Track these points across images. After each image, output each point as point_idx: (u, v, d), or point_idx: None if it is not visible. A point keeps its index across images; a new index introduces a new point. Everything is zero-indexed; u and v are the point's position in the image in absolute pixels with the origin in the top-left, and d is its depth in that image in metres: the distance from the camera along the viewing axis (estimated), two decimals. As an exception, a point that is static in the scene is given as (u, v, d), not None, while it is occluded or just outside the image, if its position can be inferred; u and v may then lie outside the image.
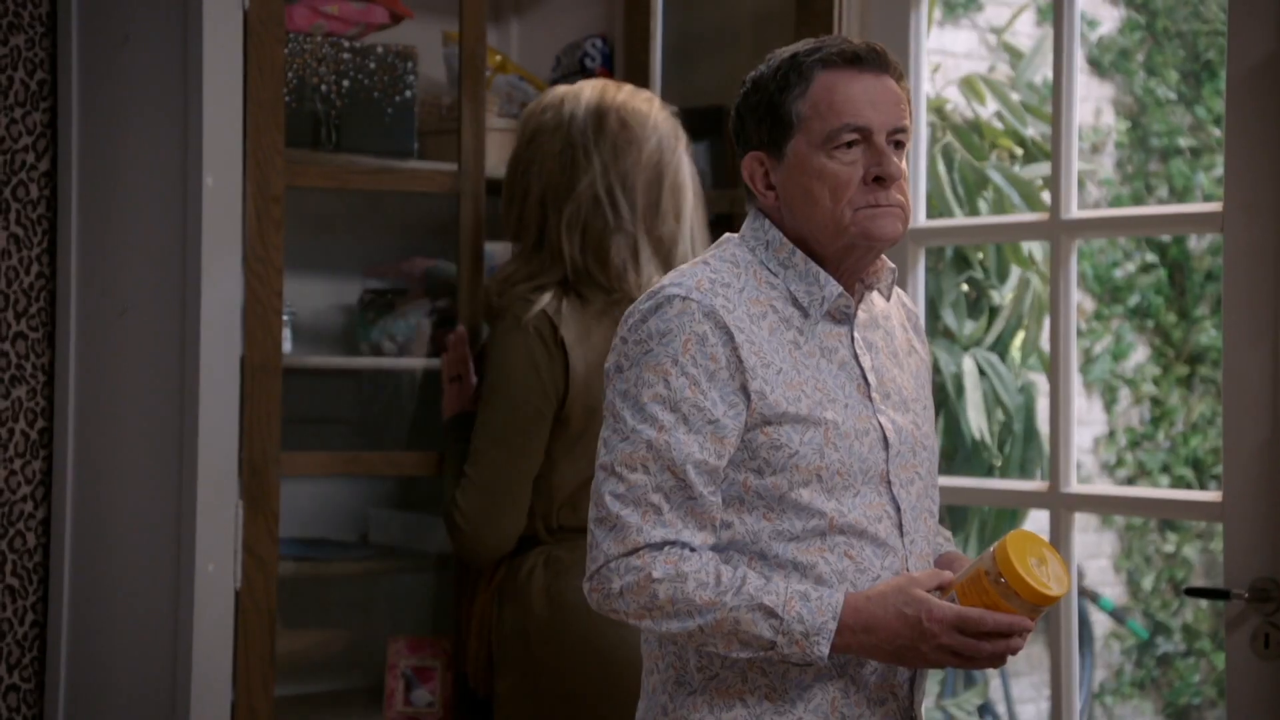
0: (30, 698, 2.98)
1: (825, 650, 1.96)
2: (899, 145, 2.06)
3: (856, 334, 2.10)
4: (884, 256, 2.13)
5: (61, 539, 2.98)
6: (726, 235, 2.15)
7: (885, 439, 2.07)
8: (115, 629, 2.93)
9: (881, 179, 2.04)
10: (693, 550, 2.00)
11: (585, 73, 3.45)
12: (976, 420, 4.87)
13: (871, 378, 2.09)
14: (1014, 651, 1.99)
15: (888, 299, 2.16)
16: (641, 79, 3.34)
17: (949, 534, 2.25)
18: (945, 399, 4.94)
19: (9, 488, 2.96)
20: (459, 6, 3.07)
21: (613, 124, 2.84)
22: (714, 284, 2.04)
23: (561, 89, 2.92)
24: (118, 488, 2.95)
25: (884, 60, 2.06)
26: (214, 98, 2.81)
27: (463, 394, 2.96)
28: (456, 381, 2.98)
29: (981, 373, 4.92)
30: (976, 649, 1.96)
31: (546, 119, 2.88)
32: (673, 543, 1.99)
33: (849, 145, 2.04)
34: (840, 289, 2.08)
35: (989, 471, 4.99)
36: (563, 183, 2.84)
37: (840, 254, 2.08)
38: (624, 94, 2.89)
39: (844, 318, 2.09)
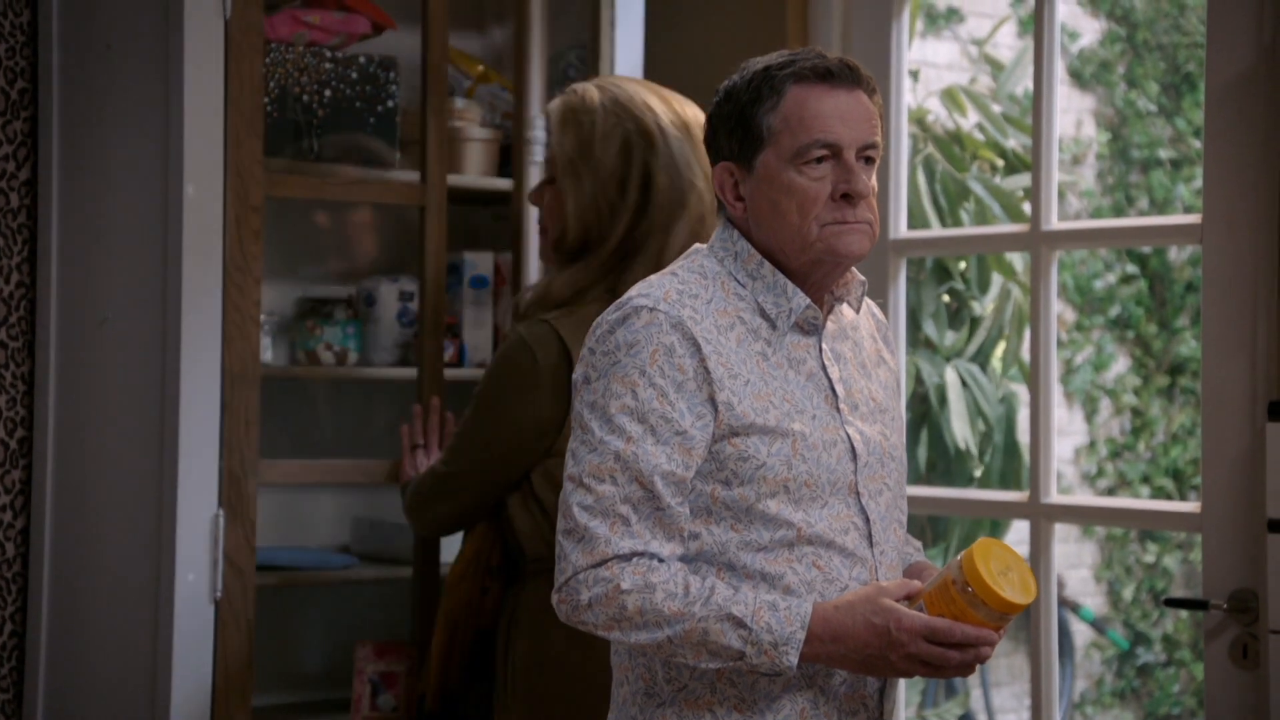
0: (9, 708, 2.97)
1: (794, 660, 1.96)
2: (869, 161, 2.07)
3: (825, 345, 2.10)
4: (854, 269, 2.14)
5: (41, 549, 2.98)
6: (695, 246, 2.15)
7: (853, 450, 2.07)
8: (95, 638, 2.92)
9: (849, 196, 2.04)
10: (661, 561, 2.00)
11: (568, 83, 3.45)
12: (961, 431, 4.88)
13: (839, 389, 2.09)
14: (982, 660, 1.99)
15: (857, 311, 2.16)
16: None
17: (919, 544, 2.26)
18: (928, 410, 4.95)
19: (-12, 497, 2.95)
20: (422, 17, 3.07)
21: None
22: (681, 295, 2.05)
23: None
24: (97, 497, 2.94)
25: (857, 75, 2.07)
26: (195, 107, 2.81)
27: (424, 463, 2.94)
28: (419, 449, 2.95)
29: (964, 384, 4.93)
30: (945, 658, 1.97)
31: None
32: (641, 554, 1.99)
33: (818, 161, 2.04)
34: (808, 301, 2.08)
35: (972, 481, 5.00)
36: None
37: (807, 268, 2.08)
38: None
39: (812, 329, 2.10)
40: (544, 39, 3.19)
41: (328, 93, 3.11)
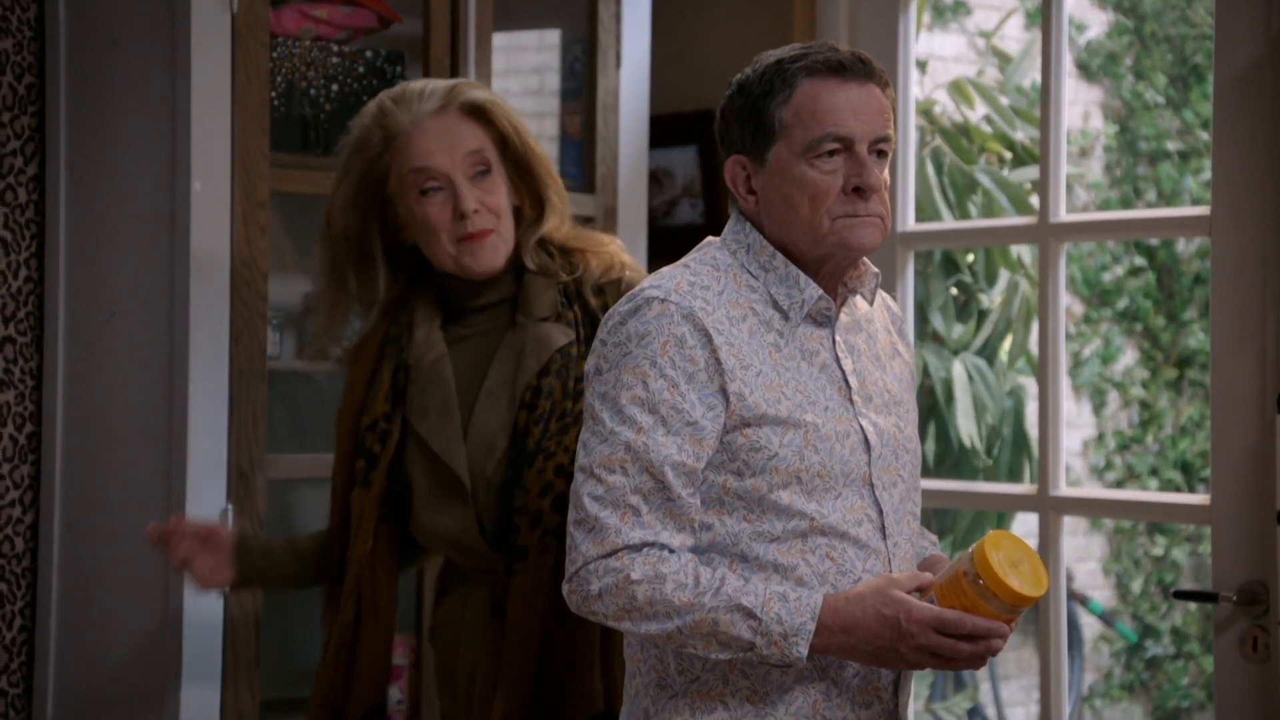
0: (19, 703, 2.97)
1: (804, 651, 1.96)
2: (881, 154, 2.07)
3: (838, 337, 2.11)
4: (867, 261, 2.14)
5: (50, 544, 2.98)
6: (708, 239, 2.16)
7: (866, 441, 2.07)
8: (104, 633, 2.92)
9: (861, 189, 2.04)
10: (671, 552, 2.00)
11: (574, 77, 3.45)
12: (966, 426, 4.88)
13: (853, 380, 2.09)
14: (993, 653, 1.99)
15: (871, 303, 2.17)
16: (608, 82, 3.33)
17: (934, 537, 2.26)
18: (934, 404, 4.94)
19: (-3, 492, 2.96)
20: (424, 11, 3.07)
21: None
22: (693, 286, 2.05)
23: None
24: (106, 492, 2.94)
25: (869, 68, 2.07)
26: (202, 102, 2.81)
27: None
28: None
29: (970, 378, 4.93)
30: (955, 650, 1.97)
31: None
32: (651, 544, 2.00)
33: (830, 154, 2.04)
34: (820, 292, 2.08)
35: (977, 476, 5.00)
36: None
37: (819, 261, 2.08)
38: None
39: (825, 320, 2.10)
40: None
41: (335, 87, 3.11)
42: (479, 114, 2.51)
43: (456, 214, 2.48)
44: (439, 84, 2.53)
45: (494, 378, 2.53)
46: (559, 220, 2.57)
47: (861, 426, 2.07)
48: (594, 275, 2.58)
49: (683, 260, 2.12)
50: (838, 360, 2.09)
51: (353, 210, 2.55)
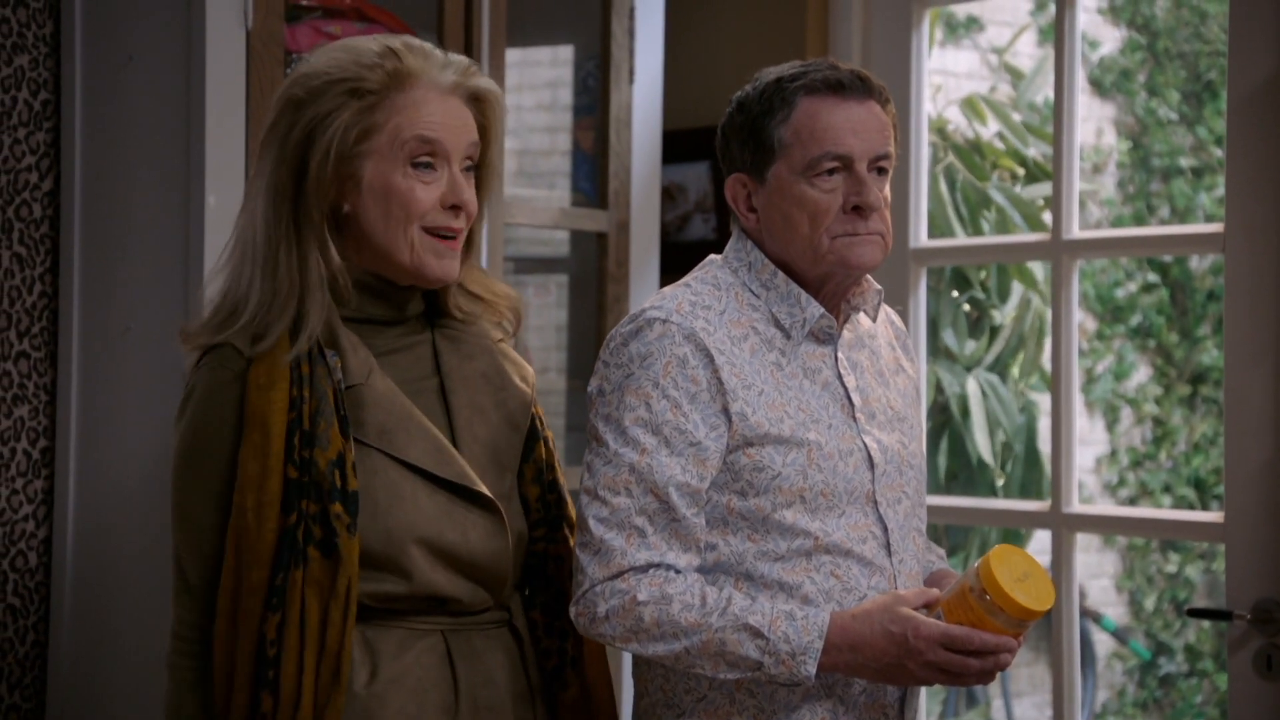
0: (31, 717, 2.98)
1: (812, 670, 1.96)
2: (882, 172, 2.07)
3: (840, 354, 2.11)
4: (870, 278, 2.14)
5: (63, 558, 2.98)
6: (710, 257, 2.16)
7: (870, 459, 2.07)
8: (117, 648, 2.93)
9: (861, 208, 2.04)
10: (678, 572, 2.00)
11: (587, 92, 3.46)
12: (982, 442, 4.88)
13: (856, 398, 2.09)
14: (1002, 668, 1.99)
15: (874, 319, 2.17)
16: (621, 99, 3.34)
17: (942, 552, 2.26)
18: (947, 420, 4.94)
19: (11, 507, 2.96)
20: (438, 27, 3.08)
21: None
22: (694, 306, 2.05)
23: None
24: (119, 507, 2.95)
25: (868, 86, 2.07)
26: (216, 118, 2.82)
27: None
28: None
29: (983, 394, 4.92)
30: (964, 666, 1.96)
31: None
32: (657, 565, 2.00)
33: (830, 173, 2.04)
34: (822, 310, 2.08)
35: (992, 492, 5.00)
36: None
37: (820, 279, 2.09)
38: None
39: (827, 338, 2.10)
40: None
41: (348, 103, 3.11)
42: (480, 104, 2.13)
43: (445, 203, 2.07)
44: (455, 57, 2.13)
45: (466, 392, 2.16)
46: (477, 256, 2.20)
47: (865, 444, 2.07)
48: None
49: (684, 280, 2.12)
50: (840, 378, 2.09)
51: (322, 155, 2.05)
